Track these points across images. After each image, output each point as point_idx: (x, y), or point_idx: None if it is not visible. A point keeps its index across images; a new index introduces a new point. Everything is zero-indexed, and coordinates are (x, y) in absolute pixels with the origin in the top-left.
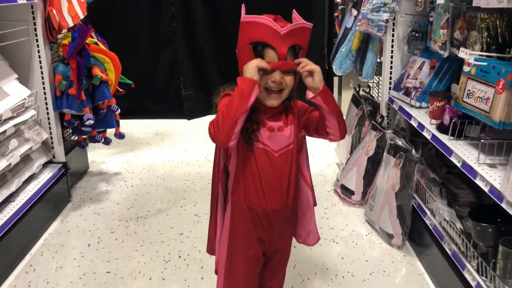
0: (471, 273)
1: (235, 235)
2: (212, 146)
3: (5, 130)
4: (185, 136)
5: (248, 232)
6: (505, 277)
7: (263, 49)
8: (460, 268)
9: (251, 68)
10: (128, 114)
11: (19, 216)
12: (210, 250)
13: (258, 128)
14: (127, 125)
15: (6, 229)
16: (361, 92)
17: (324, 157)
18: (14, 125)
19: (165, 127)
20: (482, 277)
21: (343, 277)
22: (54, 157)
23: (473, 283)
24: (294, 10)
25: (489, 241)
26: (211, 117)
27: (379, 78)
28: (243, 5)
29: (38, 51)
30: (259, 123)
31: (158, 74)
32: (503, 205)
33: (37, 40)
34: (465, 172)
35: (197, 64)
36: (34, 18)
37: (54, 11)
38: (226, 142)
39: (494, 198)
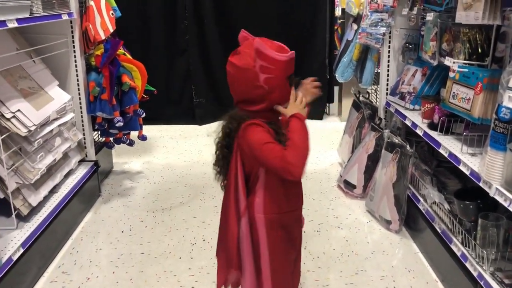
0: (457, 245)
1: (275, 246)
2: None
3: (52, 130)
4: (198, 139)
5: (287, 238)
6: (484, 246)
7: (292, 79)
8: (448, 243)
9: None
10: (144, 120)
11: (62, 206)
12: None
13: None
14: (144, 130)
15: (52, 216)
16: (361, 98)
17: (327, 158)
18: (58, 125)
19: (179, 132)
20: (466, 248)
21: (348, 255)
22: (86, 155)
23: (458, 253)
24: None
25: (470, 216)
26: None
27: (377, 86)
28: (258, 41)
29: (75, 61)
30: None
31: (172, 83)
32: (481, 184)
33: (74, 51)
34: (451, 160)
35: (208, 74)
36: (72, 32)
37: (90, 26)
38: (302, 175)
39: (474, 179)
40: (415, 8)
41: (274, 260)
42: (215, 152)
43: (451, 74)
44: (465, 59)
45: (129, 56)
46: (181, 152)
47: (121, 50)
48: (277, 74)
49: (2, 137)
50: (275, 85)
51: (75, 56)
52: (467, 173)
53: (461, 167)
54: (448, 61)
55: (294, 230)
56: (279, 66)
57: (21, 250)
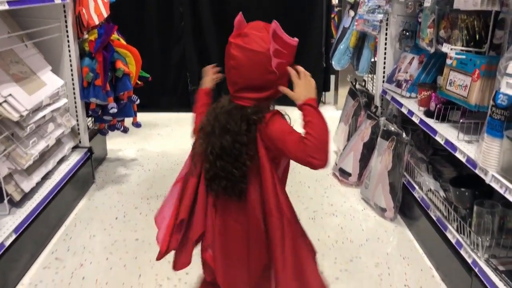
0: (451, 233)
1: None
2: None
3: (45, 115)
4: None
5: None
6: (479, 233)
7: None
8: (443, 230)
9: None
10: (139, 107)
11: (55, 192)
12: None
13: None
14: (138, 117)
15: (45, 202)
16: (357, 86)
17: None
18: (51, 111)
19: (174, 119)
20: (461, 235)
21: (343, 242)
22: (80, 142)
23: (453, 240)
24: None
25: (466, 204)
26: None
27: (373, 73)
28: (276, 23)
29: (68, 46)
30: None
31: (167, 70)
32: (477, 171)
33: (67, 36)
34: (447, 148)
35: (203, 61)
36: (65, 17)
37: (84, 10)
38: (326, 165)
39: (470, 166)
40: None
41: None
42: (211, 159)
43: (448, 61)
44: (462, 46)
45: (123, 41)
46: (176, 139)
47: (115, 36)
48: (288, 59)
49: None
50: (284, 71)
51: (68, 41)
52: (463, 160)
53: (457, 154)
54: (445, 48)
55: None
56: (291, 51)
57: (14, 236)
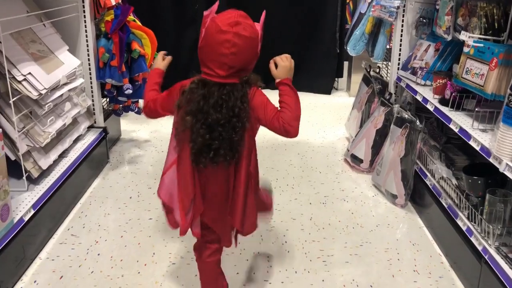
0: (462, 220)
1: None
2: None
3: (62, 94)
4: None
5: None
6: (490, 221)
7: None
8: (454, 217)
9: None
10: None
11: (71, 170)
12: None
13: None
14: None
15: (62, 180)
16: (371, 72)
17: (335, 132)
18: (68, 90)
19: None
20: (472, 223)
21: (353, 227)
22: (95, 122)
23: (464, 228)
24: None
25: (478, 192)
26: None
27: (388, 60)
28: (264, 12)
29: (85, 26)
30: None
31: (180, 53)
32: (491, 160)
33: (84, 16)
34: (461, 136)
35: None
36: None
37: None
38: (297, 135)
39: (483, 154)
40: None
41: None
42: (201, 132)
43: (465, 49)
44: (480, 34)
45: (139, 23)
46: None
47: (131, 17)
48: (260, 41)
49: (14, 99)
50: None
51: (85, 21)
52: (477, 148)
53: (471, 143)
54: (463, 36)
55: None
56: (260, 34)
57: (32, 212)
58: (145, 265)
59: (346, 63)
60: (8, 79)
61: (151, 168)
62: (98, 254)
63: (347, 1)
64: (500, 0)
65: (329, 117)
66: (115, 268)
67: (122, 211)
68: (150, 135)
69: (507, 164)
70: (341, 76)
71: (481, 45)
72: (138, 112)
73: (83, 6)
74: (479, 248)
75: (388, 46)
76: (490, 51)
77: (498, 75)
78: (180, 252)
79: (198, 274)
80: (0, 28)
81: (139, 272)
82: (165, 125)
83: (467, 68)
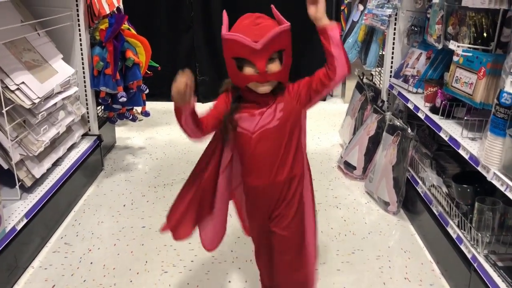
0: (453, 228)
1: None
2: None
3: (56, 103)
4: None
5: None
6: (479, 229)
7: (244, 63)
8: (445, 225)
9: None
10: (147, 96)
11: (65, 178)
12: None
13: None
14: (146, 106)
15: (55, 188)
16: (364, 80)
17: (329, 139)
18: (62, 99)
19: None
20: (462, 231)
21: (345, 235)
22: (89, 130)
23: (454, 236)
24: (272, 6)
25: (467, 200)
26: None
27: (380, 68)
28: (224, 11)
29: (80, 35)
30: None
31: (175, 60)
32: (479, 168)
33: (79, 25)
34: (451, 144)
35: (212, 52)
36: (77, 5)
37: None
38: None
39: (472, 163)
40: None
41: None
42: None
43: (455, 58)
44: (470, 43)
45: (133, 31)
46: None
47: (125, 25)
48: (224, 49)
49: (6, 109)
50: (225, 58)
51: (79, 30)
52: (466, 157)
53: (461, 151)
54: (452, 45)
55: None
56: (223, 43)
57: (25, 220)
58: (138, 273)
59: None
60: (0, 89)
61: (145, 175)
62: (91, 263)
63: (342, 7)
64: (489, 10)
65: (323, 123)
66: (108, 276)
67: (116, 219)
68: (145, 142)
69: (494, 173)
70: None
71: (470, 54)
72: (133, 120)
73: (78, 15)
74: (469, 256)
75: (381, 52)
76: (479, 61)
77: (486, 84)
78: (173, 261)
79: (190, 282)
80: None
81: (131, 281)
82: (160, 132)
83: (457, 77)
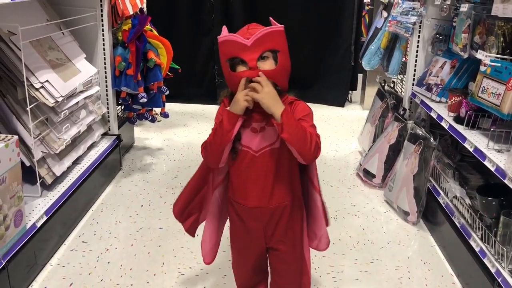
0: (475, 241)
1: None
2: None
3: (78, 102)
4: None
5: (237, 225)
6: (504, 243)
7: (236, 63)
8: (467, 237)
9: (239, 106)
10: (167, 97)
11: (84, 177)
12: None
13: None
14: (165, 108)
15: (75, 187)
16: (386, 87)
17: (348, 146)
18: (84, 98)
19: (200, 111)
20: (485, 244)
21: (364, 244)
22: (109, 129)
23: (477, 249)
24: (271, 18)
25: (492, 213)
26: None
27: (403, 75)
28: (224, 27)
29: (103, 35)
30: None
31: (195, 62)
32: (506, 181)
33: (102, 25)
34: (476, 156)
35: None
36: (101, 6)
37: (119, 0)
38: (216, 166)
39: (498, 175)
40: None
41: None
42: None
43: (482, 68)
44: (497, 53)
45: (155, 32)
46: (201, 131)
47: (148, 26)
48: (220, 55)
49: (31, 106)
50: (221, 64)
51: (102, 30)
52: (492, 169)
53: (486, 163)
54: (480, 55)
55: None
56: (219, 48)
57: (45, 218)
58: (154, 275)
59: (360, 76)
60: (26, 87)
61: (163, 176)
62: (108, 262)
63: (363, 13)
64: None
65: (342, 130)
66: (125, 277)
67: (133, 219)
68: (163, 143)
69: None
70: (355, 89)
71: (498, 64)
72: (152, 120)
73: (101, 15)
74: (493, 270)
75: (403, 60)
76: (508, 71)
77: None
78: (190, 263)
79: (206, 286)
80: (20, 37)
81: (148, 282)
82: (178, 134)
83: (484, 87)
